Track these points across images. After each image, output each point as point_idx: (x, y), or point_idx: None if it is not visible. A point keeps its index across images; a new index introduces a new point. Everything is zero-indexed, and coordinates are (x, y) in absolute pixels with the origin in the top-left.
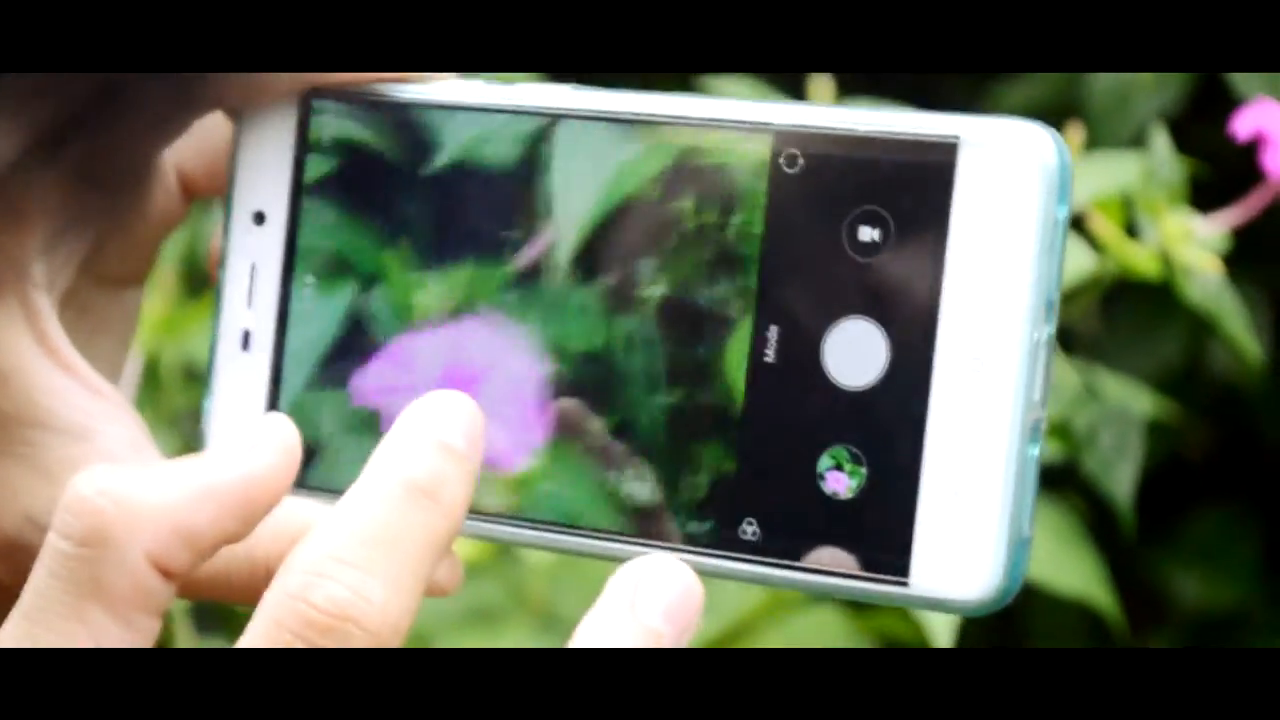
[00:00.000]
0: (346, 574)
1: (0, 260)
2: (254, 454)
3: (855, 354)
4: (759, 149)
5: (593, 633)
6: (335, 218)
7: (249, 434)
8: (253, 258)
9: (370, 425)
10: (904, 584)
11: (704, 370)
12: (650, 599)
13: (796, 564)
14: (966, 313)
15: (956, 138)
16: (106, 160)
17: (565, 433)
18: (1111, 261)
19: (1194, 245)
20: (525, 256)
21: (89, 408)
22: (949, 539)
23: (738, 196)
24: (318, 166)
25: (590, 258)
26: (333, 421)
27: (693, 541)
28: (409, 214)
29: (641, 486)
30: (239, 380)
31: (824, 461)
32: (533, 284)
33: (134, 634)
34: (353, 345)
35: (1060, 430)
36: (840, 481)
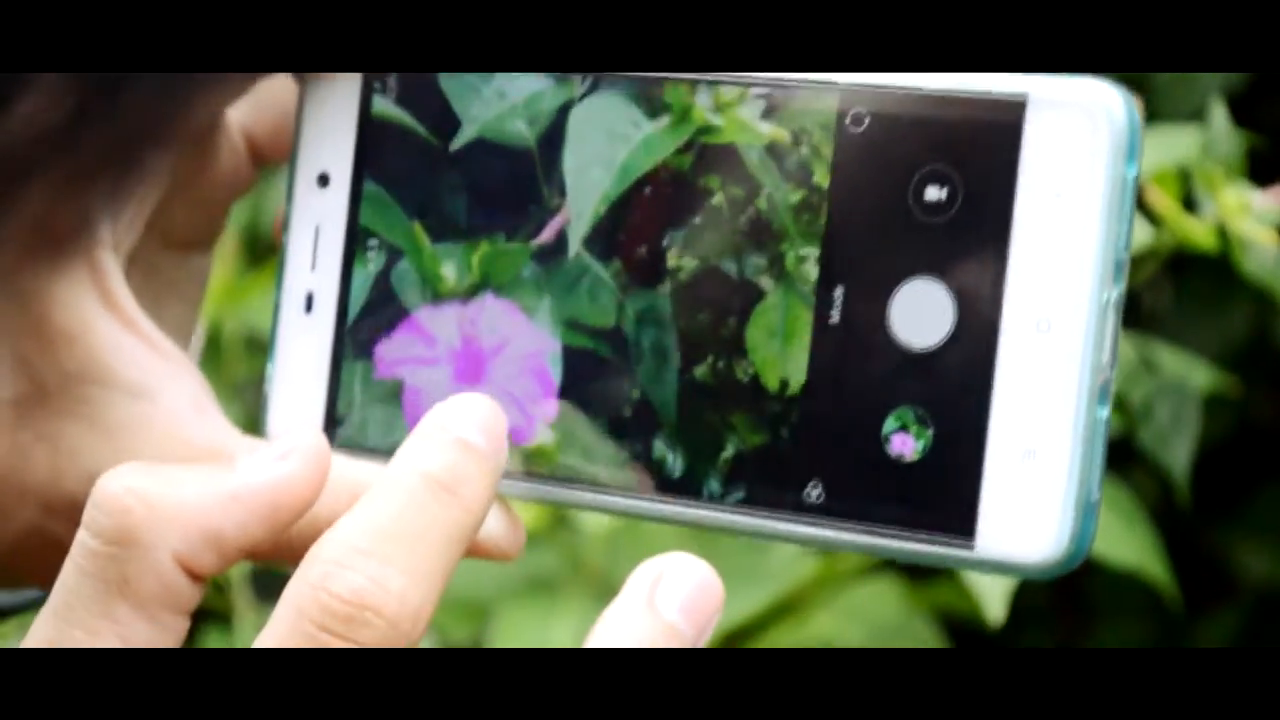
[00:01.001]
0: (366, 564)
1: (65, 217)
2: (283, 462)
3: (922, 315)
4: (825, 108)
5: (611, 630)
6: (374, 188)
7: (279, 443)
8: (317, 220)
9: (392, 396)
10: (969, 546)
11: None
12: (668, 595)
13: (861, 526)
14: (1035, 272)
15: (1025, 95)
16: (169, 117)
17: (591, 399)
18: (1169, 234)
19: (1251, 219)
20: (541, 230)
21: (152, 366)
22: (1016, 500)
23: (802, 157)
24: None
25: (636, 214)
26: (360, 390)
27: (756, 504)
28: (435, 188)
29: (698, 448)
30: (301, 343)
31: (890, 423)
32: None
33: (162, 632)
34: (380, 313)
35: (1116, 404)
36: (906, 443)
